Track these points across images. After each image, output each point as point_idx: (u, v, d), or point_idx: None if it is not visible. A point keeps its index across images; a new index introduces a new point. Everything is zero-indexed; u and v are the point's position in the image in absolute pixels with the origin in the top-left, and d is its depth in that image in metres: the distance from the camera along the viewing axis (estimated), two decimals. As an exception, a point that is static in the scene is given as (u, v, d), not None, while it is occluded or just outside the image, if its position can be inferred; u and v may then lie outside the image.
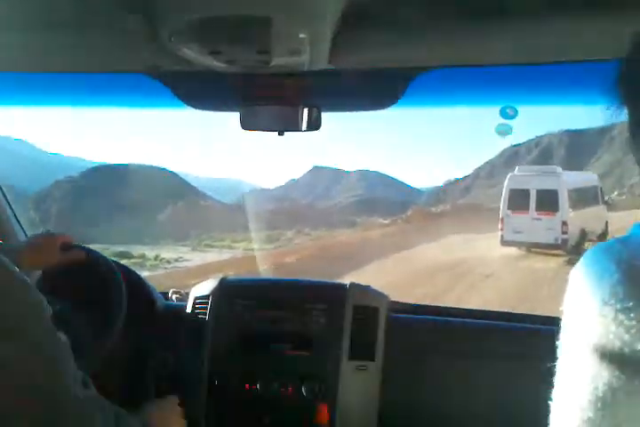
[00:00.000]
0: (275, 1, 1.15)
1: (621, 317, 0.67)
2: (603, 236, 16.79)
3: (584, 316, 0.72)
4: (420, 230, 23.44)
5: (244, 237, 35.75)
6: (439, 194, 58.48)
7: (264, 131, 1.86)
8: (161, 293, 2.37)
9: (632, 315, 0.66)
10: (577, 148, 50.96)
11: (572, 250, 14.84)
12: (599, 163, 44.71)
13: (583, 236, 15.76)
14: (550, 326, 2.08)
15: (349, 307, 2.11)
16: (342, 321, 2.09)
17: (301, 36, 1.29)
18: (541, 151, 55.76)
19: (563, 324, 0.78)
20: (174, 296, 2.42)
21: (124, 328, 1.87)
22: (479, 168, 63.11)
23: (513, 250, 16.26)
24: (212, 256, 28.84)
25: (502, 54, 1.52)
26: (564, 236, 15.18)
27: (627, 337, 0.65)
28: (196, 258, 28.30)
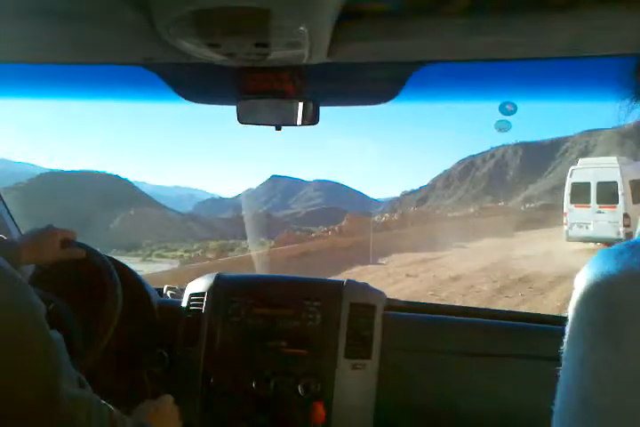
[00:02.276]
0: None
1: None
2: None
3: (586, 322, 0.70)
4: (356, 246, 17.94)
5: (197, 247, 35.34)
6: (396, 204, 58.87)
7: (261, 124, 1.84)
8: (155, 289, 2.32)
9: None
10: (531, 159, 52.07)
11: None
12: (553, 174, 45.75)
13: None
14: (548, 324, 2.08)
15: (346, 304, 2.08)
16: (339, 319, 2.06)
17: (301, 29, 1.28)
18: (496, 162, 56.79)
19: (567, 329, 0.74)
20: (169, 293, 2.37)
21: (119, 325, 1.83)
22: (435, 179, 63.82)
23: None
24: (162, 266, 27.56)
25: (504, 50, 1.53)
26: (628, 229, 14.15)
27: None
28: (145, 269, 27.21)
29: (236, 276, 2.28)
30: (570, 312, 0.74)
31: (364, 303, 2.10)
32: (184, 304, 2.17)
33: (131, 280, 2.08)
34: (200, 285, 2.19)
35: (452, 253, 16.72)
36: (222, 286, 2.15)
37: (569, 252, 14.70)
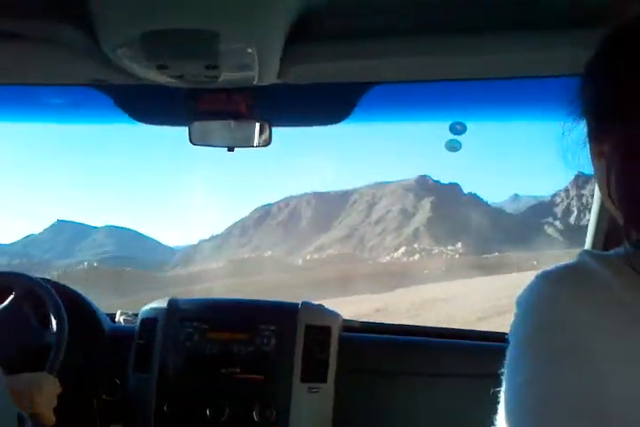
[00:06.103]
0: (222, 15, 1.15)
1: None
2: None
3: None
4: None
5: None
6: (192, 252, 58.29)
7: (214, 146, 1.83)
8: (108, 314, 2.21)
9: None
10: (323, 209, 53.96)
11: None
12: (342, 225, 47.93)
13: None
14: (504, 343, 2.16)
15: (301, 327, 2.06)
16: (294, 342, 2.03)
17: (249, 50, 1.30)
18: (291, 212, 57.98)
19: (508, 350, 0.74)
20: (122, 318, 2.26)
21: (69, 355, 1.74)
22: (231, 227, 63.62)
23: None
24: None
25: (455, 70, 1.61)
26: None
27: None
28: None
29: (189, 300, 2.20)
30: (511, 334, 0.74)
31: (319, 326, 2.11)
32: (136, 330, 2.09)
33: (81, 308, 1.99)
34: (152, 310, 2.11)
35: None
36: (175, 311, 2.08)
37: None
